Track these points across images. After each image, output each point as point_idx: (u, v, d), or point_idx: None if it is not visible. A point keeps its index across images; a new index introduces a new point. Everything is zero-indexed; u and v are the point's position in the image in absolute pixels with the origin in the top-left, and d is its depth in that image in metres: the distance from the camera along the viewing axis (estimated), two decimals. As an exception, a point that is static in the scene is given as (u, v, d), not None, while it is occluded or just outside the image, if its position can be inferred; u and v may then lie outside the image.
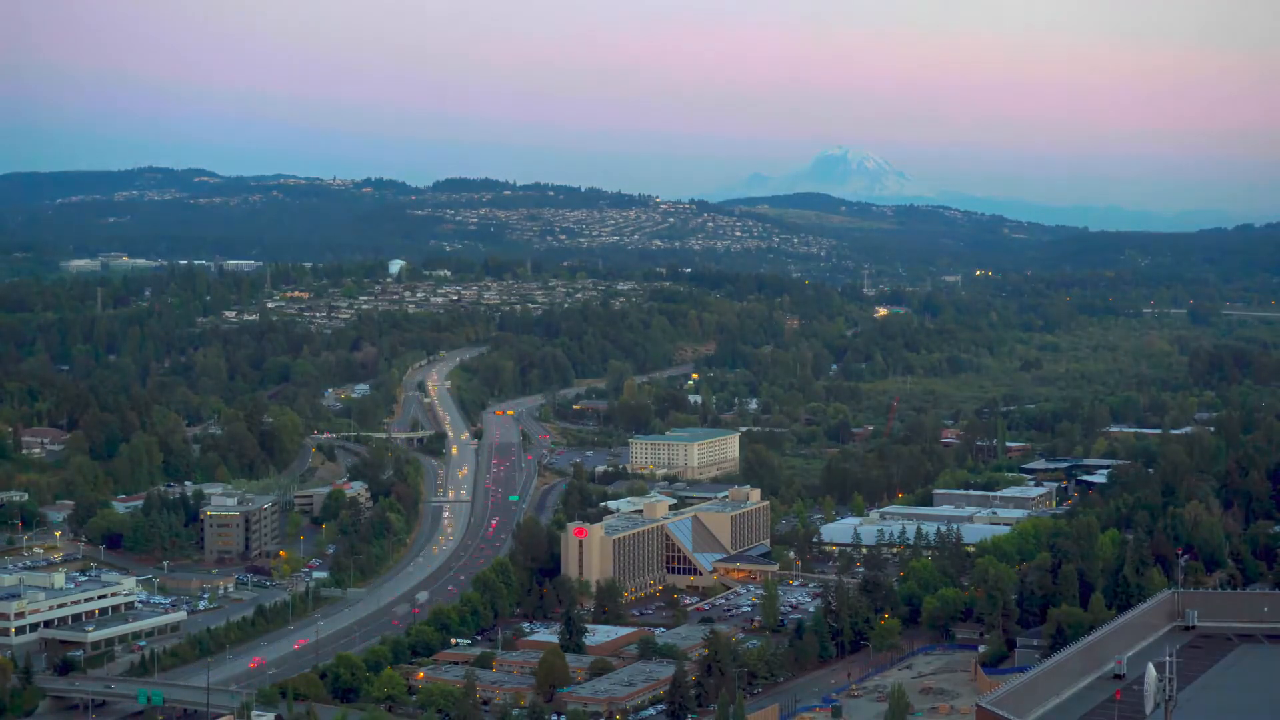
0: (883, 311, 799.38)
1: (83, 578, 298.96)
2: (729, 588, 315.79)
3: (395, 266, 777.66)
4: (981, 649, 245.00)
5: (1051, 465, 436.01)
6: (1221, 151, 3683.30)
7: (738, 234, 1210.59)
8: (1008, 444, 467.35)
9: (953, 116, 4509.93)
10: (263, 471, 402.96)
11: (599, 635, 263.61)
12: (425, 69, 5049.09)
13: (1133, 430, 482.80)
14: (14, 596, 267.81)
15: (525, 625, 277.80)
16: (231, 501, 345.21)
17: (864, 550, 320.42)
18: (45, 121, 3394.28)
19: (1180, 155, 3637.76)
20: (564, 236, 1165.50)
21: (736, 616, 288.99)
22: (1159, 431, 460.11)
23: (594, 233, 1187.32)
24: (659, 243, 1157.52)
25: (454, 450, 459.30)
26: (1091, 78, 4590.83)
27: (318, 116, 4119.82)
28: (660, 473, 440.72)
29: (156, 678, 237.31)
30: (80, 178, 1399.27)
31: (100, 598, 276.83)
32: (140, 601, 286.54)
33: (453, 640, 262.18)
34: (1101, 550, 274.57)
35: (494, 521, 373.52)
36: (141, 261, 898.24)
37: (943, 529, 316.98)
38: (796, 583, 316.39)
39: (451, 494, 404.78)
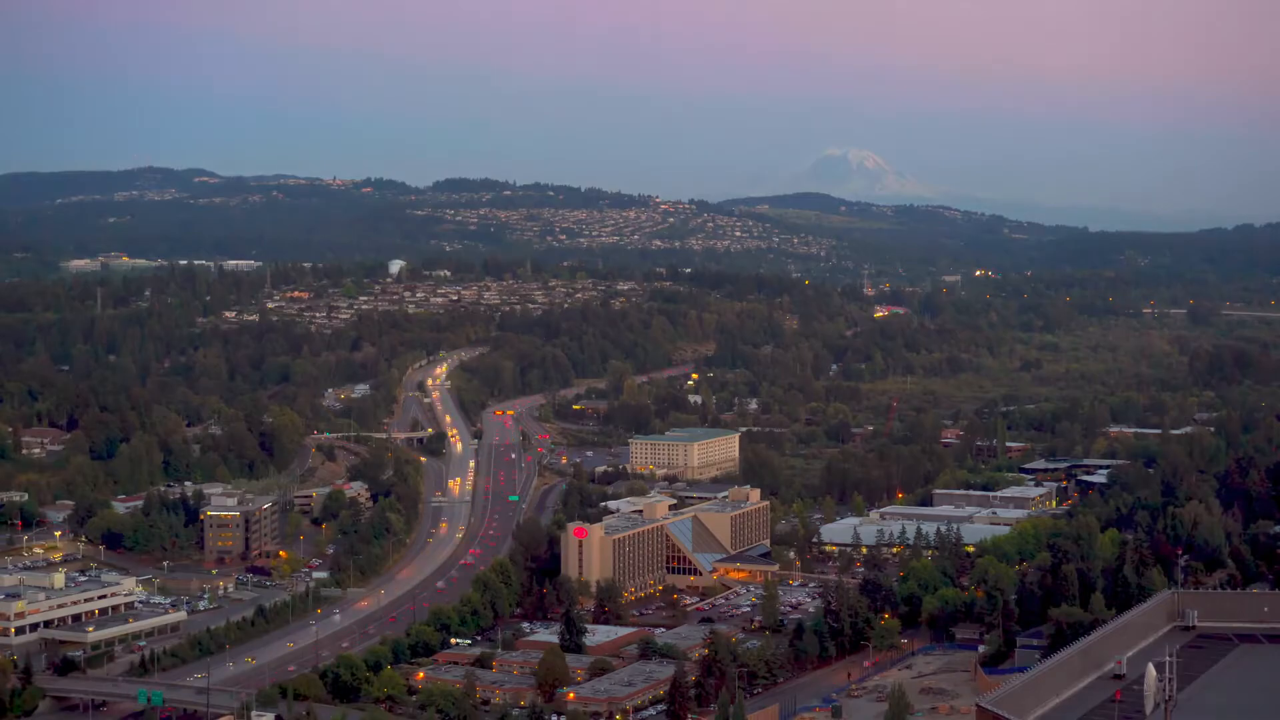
0: (882, 311, 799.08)
1: (83, 578, 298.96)
2: (729, 588, 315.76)
3: (395, 266, 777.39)
4: (981, 649, 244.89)
5: (1051, 465, 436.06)
6: (1221, 151, 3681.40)
7: (738, 234, 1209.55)
8: (1008, 444, 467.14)
9: (952, 116, 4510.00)
10: (263, 471, 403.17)
11: (599, 635, 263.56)
12: (425, 69, 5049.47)
13: (1133, 430, 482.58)
14: (14, 596, 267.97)
15: (525, 625, 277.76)
16: (231, 501, 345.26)
17: (864, 550, 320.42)
18: (45, 121, 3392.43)
19: (1180, 155, 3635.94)
20: (564, 236, 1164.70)
21: (736, 616, 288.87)
22: (1159, 431, 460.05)
23: (594, 233, 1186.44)
24: (659, 243, 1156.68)
25: (458, 448, 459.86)
26: (1092, 77, 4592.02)
27: (318, 116, 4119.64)
28: (660, 473, 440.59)
29: (156, 678, 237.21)
30: (80, 178, 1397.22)
31: (100, 598, 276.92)
32: (140, 601, 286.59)
33: (453, 640, 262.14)
34: (1101, 550, 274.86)
35: (493, 522, 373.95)
36: (141, 261, 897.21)
37: (943, 529, 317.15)
38: (796, 583, 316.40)
39: (453, 492, 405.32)
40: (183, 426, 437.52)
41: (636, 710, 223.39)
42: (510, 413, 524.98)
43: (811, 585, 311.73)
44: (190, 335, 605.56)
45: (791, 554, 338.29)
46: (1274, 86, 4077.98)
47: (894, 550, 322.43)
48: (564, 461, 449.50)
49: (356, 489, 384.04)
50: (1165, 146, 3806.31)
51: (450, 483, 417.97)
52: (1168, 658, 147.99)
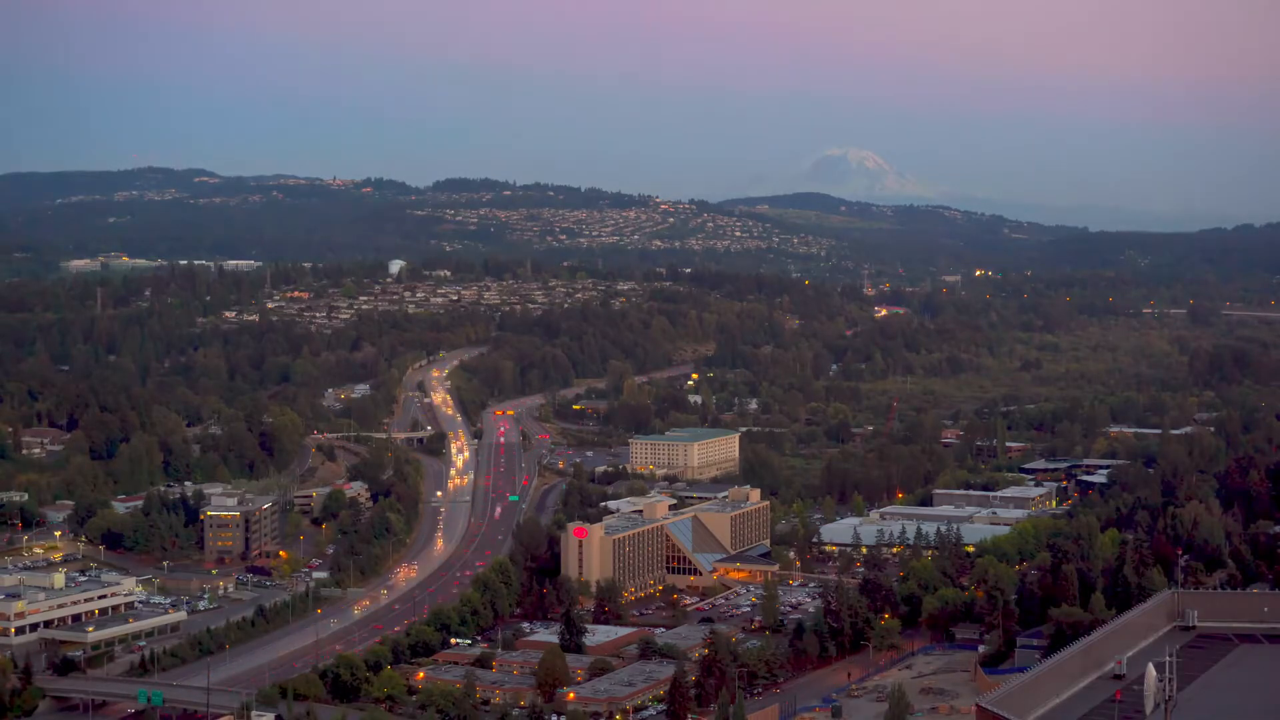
0: (883, 311, 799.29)
1: (83, 578, 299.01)
2: (729, 588, 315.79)
3: (395, 266, 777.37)
4: (981, 649, 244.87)
5: (1051, 465, 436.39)
6: (1222, 151, 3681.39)
7: (738, 234, 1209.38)
8: (1008, 444, 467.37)
9: (952, 116, 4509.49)
10: (263, 471, 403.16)
11: (599, 635, 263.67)
12: (426, 69, 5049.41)
13: (1133, 430, 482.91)
14: (14, 596, 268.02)
15: (525, 625, 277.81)
16: (231, 501, 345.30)
17: (864, 550, 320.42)
18: (45, 121, 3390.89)
19: (1181, 155, 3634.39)
20: (564, 236, 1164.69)
21: (736, 616, 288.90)
22: (1159, 431, 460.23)
23: (594, 233, 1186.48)
24: (659, 243, 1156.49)
25: (455, 449, 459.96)
26: (1092, 77, 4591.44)
27: (318, 116, 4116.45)
28: (660, 473, 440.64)
29: (156, 678, 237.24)
30: (80, 178, 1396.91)
31: (100, 598, 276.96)
32: (140, 601, 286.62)
33: (453, 640, 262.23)
34: (1101, 550, 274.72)
35: (491, 519, 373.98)
36: (141, 261, 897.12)
37: (943, 529, 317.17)
38: (796, 583, 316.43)
39: (452, 490, 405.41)
40: (183, 426, 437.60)
41: (636, 710, 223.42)
42: (510, 413, 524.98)
43: (811, 585, 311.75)
44: (190, 335, 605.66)
45: (791, 554, 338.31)
46: (1275, 87, 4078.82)
47: (894, 550, 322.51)
48: (560, 466, 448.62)
49: (356, 489, 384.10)
50: (1166, 146, 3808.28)
51: (450, 482, 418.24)
52: (1168, 658, 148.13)
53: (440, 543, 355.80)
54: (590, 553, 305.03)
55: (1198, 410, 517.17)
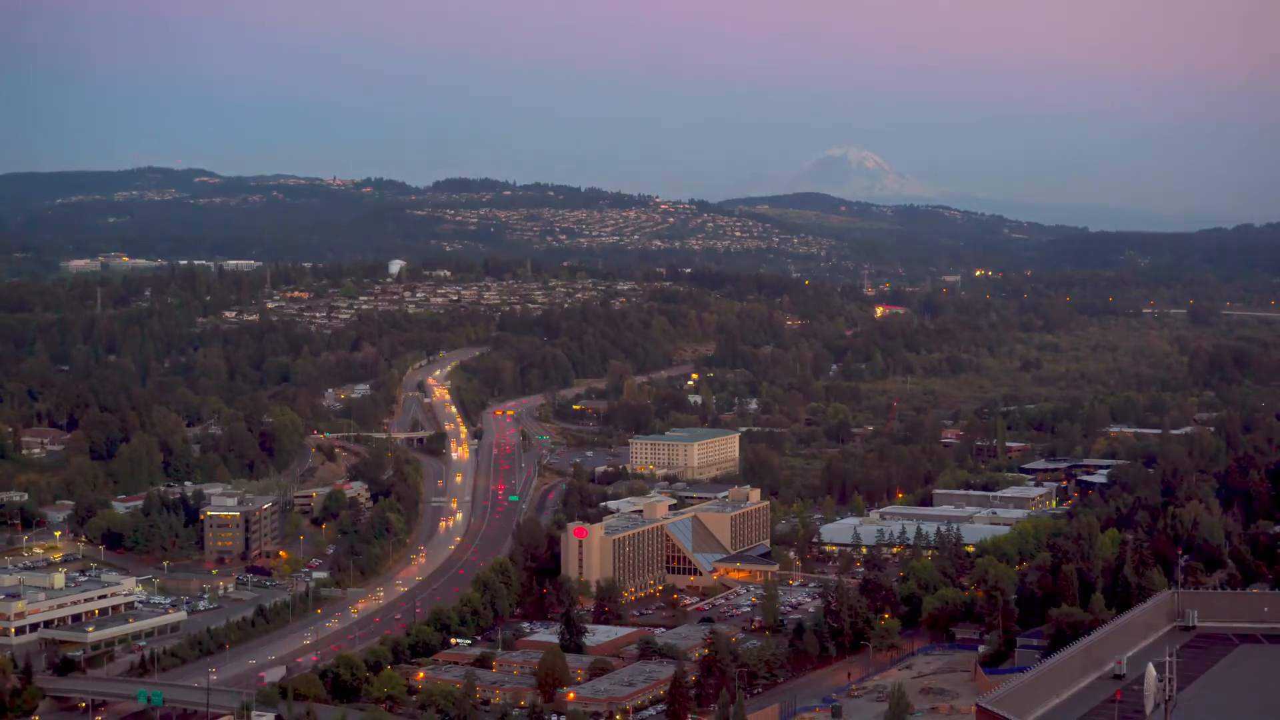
0: (883, 311, 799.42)
1: (83, 578, 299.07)
2: (729, 588, 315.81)
3: (395, 266, 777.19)
4: (981, 649, 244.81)
5: (1051, 465, 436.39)
6: (1222, 151, 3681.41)
7: (738, 234, 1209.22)
8: (1008, 444, 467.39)
9: (952, 116, 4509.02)
10: (263, 471, 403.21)
11: (599, 635, 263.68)
12: (426, 68, 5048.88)
13: (1133, 430, 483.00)
14: (14, 596, 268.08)
15: (525, 625, 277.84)
16: (231, 501, 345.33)
17: (864, 550, 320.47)
18: (45, 121, 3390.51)
19: (1182, 155, 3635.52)
20: (564, 236, 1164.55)
21: (736, 616, 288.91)
22: (1159, 431, 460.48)
23: (594, 233, 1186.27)
24: (659, 243, 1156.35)
25: (456, 450, 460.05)
26: (1092, 77, 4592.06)
27: (318, 116, 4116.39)
28: (660, 473, 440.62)
29: (156, 678, 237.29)
30: (80, 178, 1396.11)
31: (100, 598, 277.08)
32: (140, 601, 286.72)
33: (453, 640, 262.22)
34: (1101, 550, 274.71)
35: (491, 519, 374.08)
36: (141, 261, 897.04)
37: (943, 529, 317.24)
38: (796, 583, 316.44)
39: (452, 497, 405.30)
40: (183, 426, 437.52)
41: (636, 710, 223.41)
42: (510, 413, 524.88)
43: (811, 585, 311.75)
44: (190, 335, 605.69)
45: (791, 554, 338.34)
46: (1276, 86, 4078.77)
47: (894, 550, 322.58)
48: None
49: (356, 489, 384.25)
50: (1165, 146, 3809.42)
51: (449, 483, 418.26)
52: (1168, 658, 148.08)
53: (440, 543, 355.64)
54: (590, 553, 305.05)
55: (1198, 410, 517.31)
